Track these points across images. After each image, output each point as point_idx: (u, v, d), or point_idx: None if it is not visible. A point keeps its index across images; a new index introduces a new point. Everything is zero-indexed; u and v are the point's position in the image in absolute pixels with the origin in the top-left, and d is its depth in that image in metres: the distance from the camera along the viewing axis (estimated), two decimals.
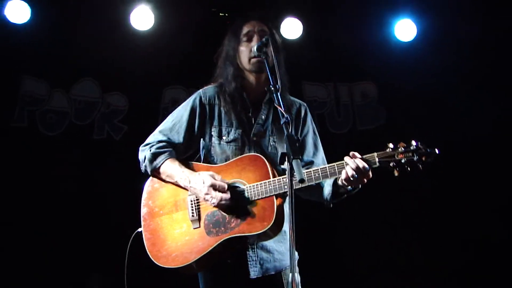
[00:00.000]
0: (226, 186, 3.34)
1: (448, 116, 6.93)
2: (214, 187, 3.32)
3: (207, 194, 3.32)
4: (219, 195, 3.30)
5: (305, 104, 3.84)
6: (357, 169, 3.11)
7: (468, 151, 6.79)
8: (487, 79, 7.01)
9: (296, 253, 3.63)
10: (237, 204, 3.34)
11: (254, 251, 3.49)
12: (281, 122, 2.95)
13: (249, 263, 3.47)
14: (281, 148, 3.45)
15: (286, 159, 2.75)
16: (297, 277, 2.70)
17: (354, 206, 5.99)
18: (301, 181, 2.66)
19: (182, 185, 3.48)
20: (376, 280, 6.93)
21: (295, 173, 2.69)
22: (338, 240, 7.03)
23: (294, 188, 2.81)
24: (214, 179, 3.34)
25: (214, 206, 3.36)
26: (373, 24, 7.17)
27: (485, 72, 7.00)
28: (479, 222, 6.81)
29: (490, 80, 7.00)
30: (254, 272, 3.47)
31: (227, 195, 3.32)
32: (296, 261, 3.61)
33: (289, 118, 2.95)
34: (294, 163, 2.70)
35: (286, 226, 3.43)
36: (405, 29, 7.07)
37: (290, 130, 2.89)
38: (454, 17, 6.92)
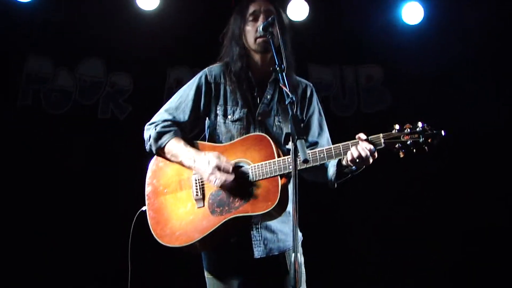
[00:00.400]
0: (231, 168, 3.34)
1: (453, 100, 6.89)
2: (219, 168, 3.31)
3: (211, 174, 3.31)
4: (223, 177, 3.30)
5: (311, 84, 3.83)
6: (363, 151, 3.12)
7: (472, 137, 6.76)
8: (494, 64, 6.97)
9: (300, 234, 3.66)
10: (241, 183, 3.34)
11: (259, 231, 3.50)
12: (286, 102, 2.95)
13: (253, 243, 3.49)
14: (286, 128, 3.47)
15: (291, 139, 2.75)
16: (300, 258, 2.71)
17: (358, 186, 6.02)
18: (305, 161, 2.67)
19: (187, 165, 3.47)
20: (380, 263, 6.96)
21: (299, 154, 2.69)
22: (342, 221, 7.04)
23: (298, 168, 2.80)
24: (220, 160, 3.33)
25: (218, 187, 3.36)
26: (380, 6, 7.12)
27: (492, 57, 6.96)
28: (484, 211, 6.82)
29: (496, 64, 6.96)
30: (258, 252, 3.48)
31: (231, 177, 3.32)
32: (300, 242, 3.64)
33: (294, 98, 2.95)
34: (298, 143, 2.70)
35: (291, 207, 3.43)
36: (412, 12, 7.02)
37: (295, 111, 2.89)
38: (461, 1, 6.87)
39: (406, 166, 5.72)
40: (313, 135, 3.68)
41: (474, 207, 6.81)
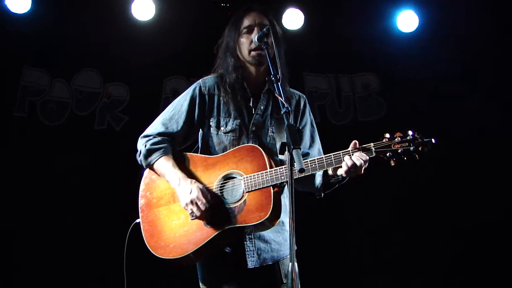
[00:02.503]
0: (207, 206, 3.31)
1: (449, 108, 6.91)
2: (195, 202, 3.31)
3: (187, 205, 3.33)
4: (197, 213, 3.31)
5: (304, 96, 3.84)
6: (358, 161, 3.14)
7: (468, 144, 6.79)
8: (489, 72, 6.99)
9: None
10: (234, 195, 3.36)
11: (252, 242, 3.50)
12: (282, 112, 2.97)
13: (246, 253, 3.49)
14: (280, 139, 3.48)
15: (287, 148, 2.75)
16: (296, 267, 2.70)
17: (353, 196, 6.04)
18: (301, 170, 2.67)
19: (171, 185, 3.47)
20: (375, 272, 6.95)
21: (295, 163, 2.69)
22: (336, 231, 7.03)
23: (294, 177, 2.79)
24: (200, 194, 3.32)
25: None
26: (375, 15, 7.15)
27: (486, 65, 6.98)
28: (483, 213, 6.84)
29: (491, 72, 6.98)
30: (251, 262, 3.48)
31: (205, 214, 3.32)
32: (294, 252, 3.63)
33: (289, 108, 2.96)
34: (294, 153, 2.70)
35: (284, 217, 3.44)
36: (407, 20, 7.05)
37: (290, 120, 2.89)
38: (456, 9, 6.90)
39: (402, 174, 5.78)
40: (304, 146, 3.68)
41: (474, 209, 6.84)
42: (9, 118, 6.80)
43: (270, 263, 3.53)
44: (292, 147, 2.72)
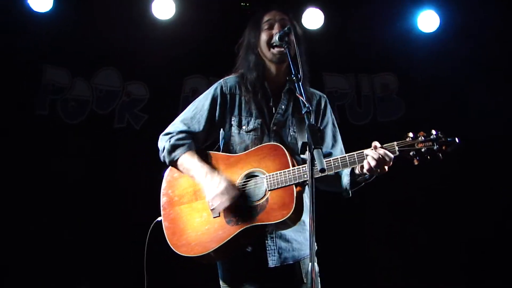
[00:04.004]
0: (232, 201, 3.33)
1: (469, 109, 6.85)
2: (223, 194, 3.32)
3: (213, 199, 3.34)
4: (223, 205, 3.32)
5: (325, 96, 3.83)
6: (379, 159, 3.11)
7: (489, 146, 6.73)
8: (510, 72, 6.92)
9: (315, 244, 3.65)
10: (256, 193, 3.35)
11: (273, 240, 3.49)
12: (303, 112, 2.96)
13: (267, 252, 3.47)
14: (301, 138, 3.46)
15: (308, 148, 2.74)
16: (316, 267, 2.70)
17: (375, 196, 6.01)
18: (322, 170, 2.66)
19: (197, 180, 3.47)
20: (395, 272, 6.93)
21: (316, 163, 2.69)
22: (358, 232, 7.02)
23: (315, 177, 2.79)
24: (227, 188, 3.33)
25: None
26: (396, 15, 7.11)
27: (508, 65, 6.91)
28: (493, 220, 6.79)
29: None
30: (272, 261, 3.47)
31: (228, 209, 3.34)
32: (315, 252, 3.62)
33: (310, 108, 2.95)
34: (315, 152, 2.70)
35: (305, 216, 3.42)
36: (428, 20, 7.00)
37: (311, 120, 2.89)
38: (477, 8, 6.83)
39: (423, 177, 5.75)
40: (327, 146, 3.67)
41: (494, 208, 6.81)
42: (30, 116, 6.86)
43: (291, 262, 3.51)
44: (313, 147, 2.71)
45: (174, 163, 3.58)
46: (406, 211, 7.02)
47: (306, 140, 2.77)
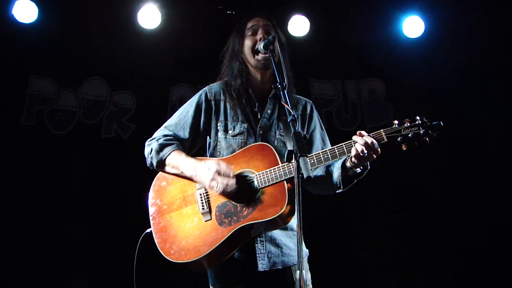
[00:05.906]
0: (231, 173, 3.35)
1: (455, 114, 6.88)
2: (219, 173, 3.33)
3: (212, 180, 3.33)
4: (224, 181, 3.31)
5: (311, 101, 3.87)
6: (366, 145, 3.15)
7: (475, 149, 6.77)
8: (495, 77, 6.97)
9: (307, 250, 3.66)
10: (247, 192, 3.35)
11: (263, 244, 3.49)
12: (288, 120, 2.97)
13: (257, 255, 3.48)
14: (289, 141, 3.48)
15: (293, 156, 2.75)
16: (306, 275, 2.70)
17: (366, 199, 6.02)
18: (308, 178, 2.66)
19: (188, 175, 3.48)
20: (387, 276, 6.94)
21: (301, 171, 2.69)
22: (349, 236, 7.02)
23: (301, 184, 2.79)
24: (219, 165, 3.35)
25: (220, 194, 3.36)
26: (381, 21, 7.15)
27: (493, 69, 6.97)
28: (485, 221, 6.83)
29: (498, 77, 6.96)
30: (262, 265, 3.47)
31: (232, 181, 3.33)
32: (306, 258, 3.63)
33: (296, 116, 2.96)
34: (301, 160, 2.70)
35: (294, 223, 3.42)
36: (413, 26, 7.04)
37: (296, 128, 2.89)
38: (462, 14, 6.89)
39: (413, 178, 5.76)
40: (317, 149, 3.68)
41: (482, 210, 6.86)
42: (17, 126, 6.82)
43: (280, 267, 3.51)
44: (299, 154, 2.72)
45: (162, 164, 3.57)
46: (399, 212, 7.03)
47: (291, 148, 2.78)
